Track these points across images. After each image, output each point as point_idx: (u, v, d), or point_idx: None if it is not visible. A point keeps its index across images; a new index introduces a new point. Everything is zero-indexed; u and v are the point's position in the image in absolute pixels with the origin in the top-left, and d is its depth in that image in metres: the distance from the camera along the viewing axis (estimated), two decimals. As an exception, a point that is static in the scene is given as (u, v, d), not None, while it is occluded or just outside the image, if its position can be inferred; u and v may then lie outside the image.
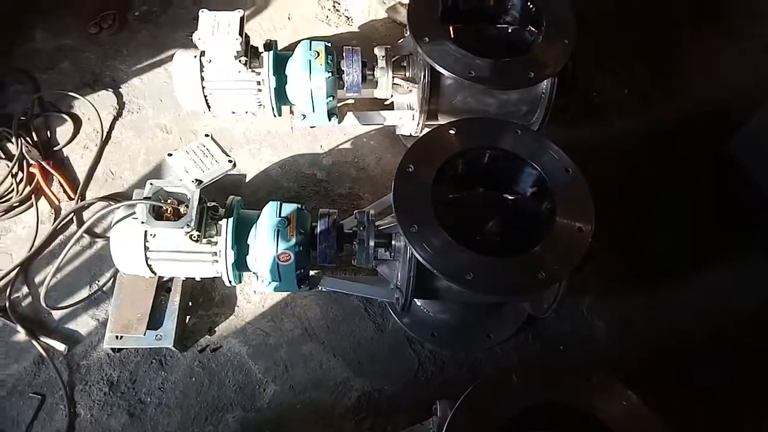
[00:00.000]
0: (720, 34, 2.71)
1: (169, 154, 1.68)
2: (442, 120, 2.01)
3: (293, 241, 1.66)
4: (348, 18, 2.64)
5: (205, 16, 1.90)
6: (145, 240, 1.66)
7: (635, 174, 2.33)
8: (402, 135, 2.26)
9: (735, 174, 2.31)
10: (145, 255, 1.67)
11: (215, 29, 1.88)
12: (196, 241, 1.64)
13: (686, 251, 2.18)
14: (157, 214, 1.62)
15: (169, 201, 1.64)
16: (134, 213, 1.62)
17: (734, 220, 2.25)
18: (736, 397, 1.91)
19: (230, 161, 1.70)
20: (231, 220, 1.69)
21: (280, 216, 1.69)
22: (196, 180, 1.63)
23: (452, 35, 1.95)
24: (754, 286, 2.14)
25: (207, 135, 1.74)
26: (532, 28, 2.03)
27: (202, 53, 1.95)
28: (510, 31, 2.10)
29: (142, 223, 1.59)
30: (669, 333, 2.02)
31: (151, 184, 1.64)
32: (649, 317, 2.05)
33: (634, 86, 2.54)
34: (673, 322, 2.05)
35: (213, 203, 1.74)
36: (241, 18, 1.90)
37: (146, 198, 1.61)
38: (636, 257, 2.15)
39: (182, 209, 1.63)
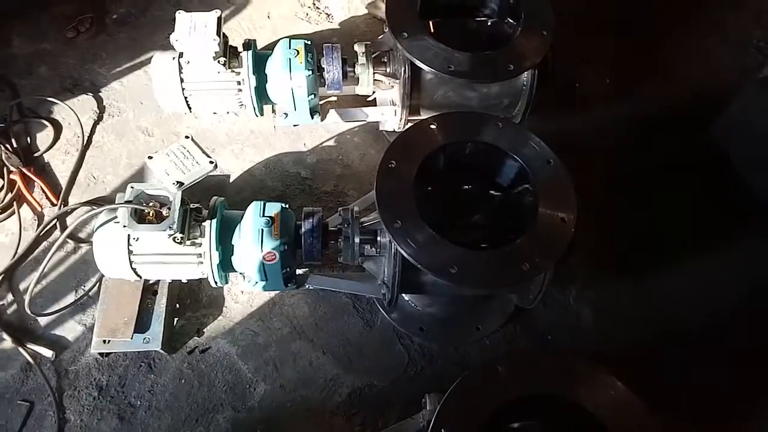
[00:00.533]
0: (704, 22, 2.72)
1: (149, 157, 1.67)
2: (425, 115, 2.01)
3: (278, 240, 1.66)
4: (328, 15, 2.63)
5: (181, 17, 1.89)
6: (129, 244, 1.65)
7: (620, 163, 2.34)
8: (385, 131, 2.26)
9: (720, 159, 2.32)
10: (129, 259, 1.66)
11: (192, 30, 1.86)
12: (180, 243, 1.63)
13: (673, 240, 2.19)
14: (140, 217, 1.61)
15: (151, 204, 1.63)
16: (116, 217, 1.61)
17: (722, 208, 2.26)
18: (723, 386, 1.93)
19: (211, 162, 1.69)
20: (214, 221, 1.68)
21: (263, 216, 1.68)
22: (177, 182, 1.62)
23: (431, 30, 1.96)
24: (741, 274, 2.14)
25: (187, 137, 1.73)
26: (511, 21, 2.03)
27: (181, 55, 1.93)
28: (489, 24, 2.10)
29: (124, 226, 1.58)
30: (656, 322, 2.03)
31: (132, 187, 1.63)
32: (636, 306, 2.07)
33: (618, 76, 2.54)
34: (659, 310, 2.06)
35: (197, 204, 1.73)
36: (218, 18, 1.89)
37: (127, 201, 1.60)
38: (622, 246, 2.17)
39: (165, 212, 1.61)
